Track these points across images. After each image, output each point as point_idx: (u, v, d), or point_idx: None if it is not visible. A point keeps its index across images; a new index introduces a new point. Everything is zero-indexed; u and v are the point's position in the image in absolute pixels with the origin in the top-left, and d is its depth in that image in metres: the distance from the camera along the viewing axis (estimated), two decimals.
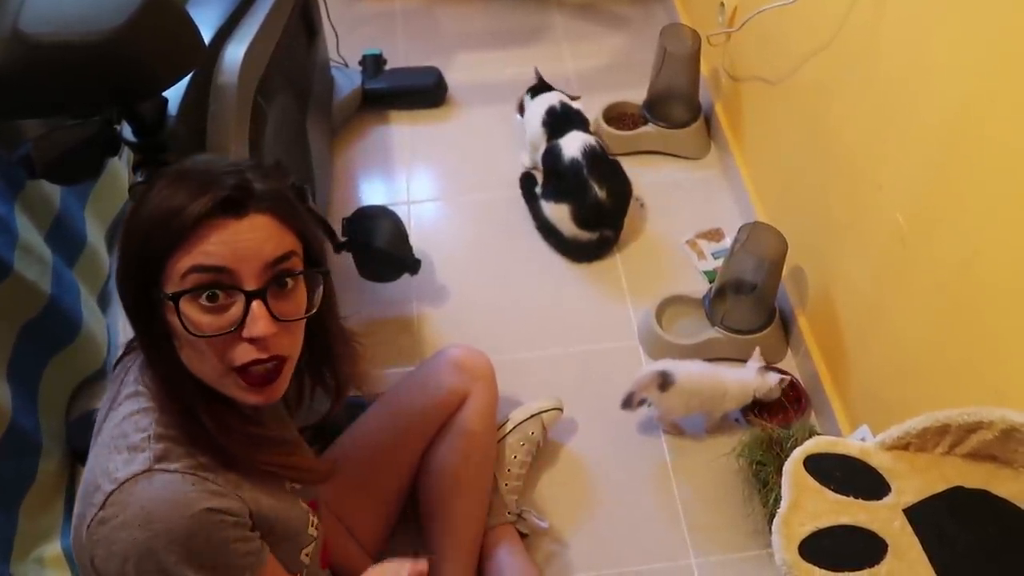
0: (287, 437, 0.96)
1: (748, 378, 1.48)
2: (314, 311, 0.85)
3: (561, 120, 1.82)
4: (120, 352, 0.92)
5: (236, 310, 0.78)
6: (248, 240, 0.78)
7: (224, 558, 0.80)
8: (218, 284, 0.77)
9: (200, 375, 0.82)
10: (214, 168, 0.80)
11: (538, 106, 1.87)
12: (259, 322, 0.78)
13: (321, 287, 0.86)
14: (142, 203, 0.79)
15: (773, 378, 1.47)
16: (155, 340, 0.81)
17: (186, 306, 0.77)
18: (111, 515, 0.76)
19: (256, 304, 0.78)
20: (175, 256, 0.77)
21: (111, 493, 0.77)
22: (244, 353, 0.79)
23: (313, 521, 0.97)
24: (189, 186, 0.77)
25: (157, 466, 0.78)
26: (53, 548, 1.27)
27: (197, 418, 0.82)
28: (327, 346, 0.94)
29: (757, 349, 1.53)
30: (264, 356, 0.80)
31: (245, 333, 0.78)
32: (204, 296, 0.77)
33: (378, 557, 1.32)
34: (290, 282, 0.81)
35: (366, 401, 1.38)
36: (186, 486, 0.78)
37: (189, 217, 0.76)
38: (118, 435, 0.81)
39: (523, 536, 1.39)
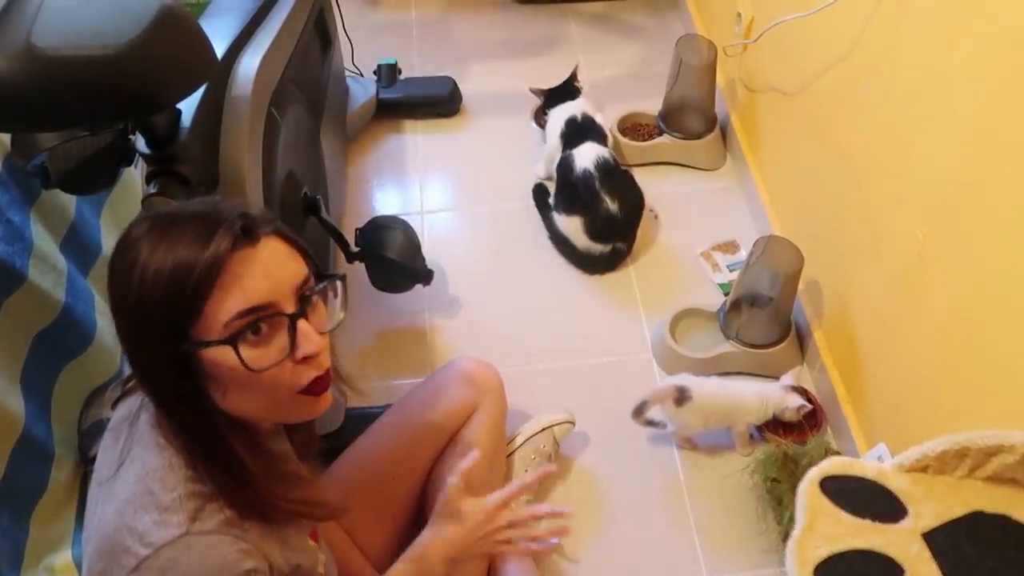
0: (302, 473, 0.96)
1: (769, 393, 1.46)
2: (343, 318, 0.87)
3: (578, 131, 1.81)
4: (119, 390, 0.91)
5: (281, 336, 0.79)
6: (274, 265, 0.79)
7: None
8: (262, 318, 0.77)
9: (249, 412, 0.82)
10: (204, 209, 0.79)
11: (559, 116, 1.86)
12: (311, 339, 0.80)
13: (342, 296, 0.87)
14: (133, 270, 0.75)
15: (794, 401, 1.45)
16: (187, 395, 0.79)
17: (239, 348, 0.77)
18: None
19: (302, 323, 0.80)
20: (211, 303, 0.75)
21: (147, 557, 0.75)
22: (304, 374, 0.81)
23: (321, 560, 0.97)
24: (190, 232, 0.75)
25: (193, 529, 0.77)
26: (63, 557, 1.28)
27: (234, 466, 0.81)
28: None
29: (798, 369, 1.51)
30: (322, 373, 0.83)
31: (300, 354, 0.80)
32: (249, 333, 0.77)
33: (385, 571, 1.31)
34: (314, 298, 0.83)
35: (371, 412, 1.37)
36: (224, 548, 0.78)
37: (217, 258, 0.74)
38: (142, 492, 0.79)
39: None
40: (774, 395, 1.46)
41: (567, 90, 1.89)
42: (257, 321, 0.77)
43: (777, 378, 1.51)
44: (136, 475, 0.80)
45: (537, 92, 1.92)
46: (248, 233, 0.77)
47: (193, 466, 0.80)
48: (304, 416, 0.86)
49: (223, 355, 0.77)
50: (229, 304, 0.76)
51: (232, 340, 0.76)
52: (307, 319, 0.81)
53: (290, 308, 0.79)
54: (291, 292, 0.80)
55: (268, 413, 0.84)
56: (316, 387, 0.83)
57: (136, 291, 0.75)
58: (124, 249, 0.77)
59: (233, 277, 0.76)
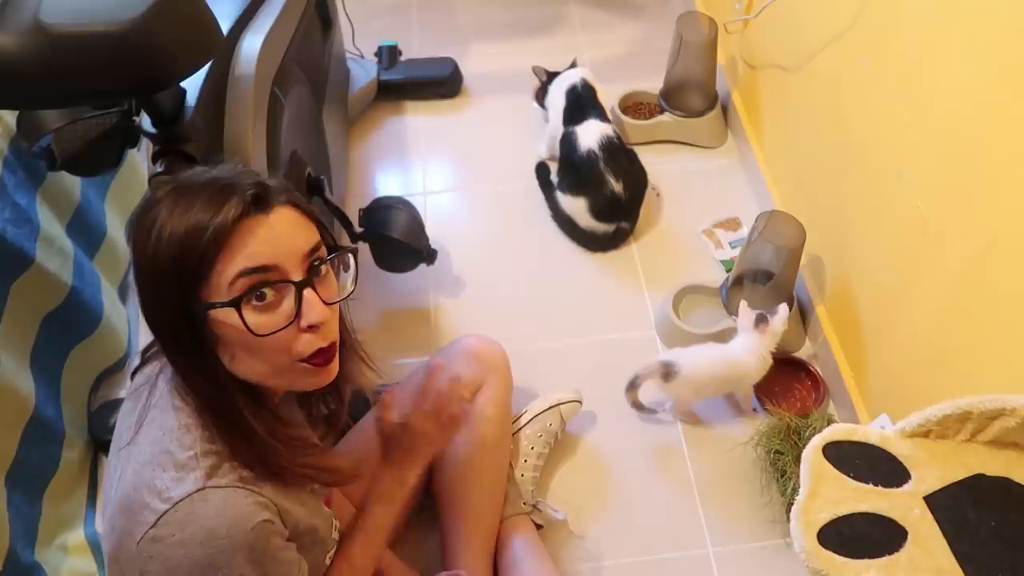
0: (313, 440, 0.98)
1: (758, 344, 1.44)
2: (354, 290, 0.87)
3: (578, 102, 1.80)
4: (137, 360, 0.93)
5: (287, 303, 0.80)
6: (283, 232, 0.80)
7: (277, 565, 0.82)
8: (266, 282, 0.79)
9: (256, 377, 0.84)
10: (221, 176, 0.81)
11: (559, 88, 1.85)
12: (316, 308, 0.81)
13: (353, 269, 0.88)
14: (151, 231, 0.77)
15: (776, 322, 1.43)
16: (199, 356, 0.81)
17: (243, 310, 0.78)
18: (166, 533, 0.77)
19: (308, 292, 0.81)
20: (217, 266, 0.77)
21: (165, 512, 0.77)
22: (308, 344, 0.82)
23: (336, 525, 0.99)
24: (205, 198, 0.77)
25: (209, 484, 0.79)
26: (76, 535, 1.29)
27: (244, 428, 0.83)
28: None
29: (742, 304, 1.48)
30: (326, 344, 0.83)
31: (303, 322, 0.81)
32: (253, 297, 0.78)
33: (394, 547, 1.33)
34: (324, 268, 0.84)
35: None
36: (240, 499, 0.80)
37: (225, 223, 0.76)
38: (160, 451, 0.81)
39: (539, 527, 1.39)
40: (760, 342, 1.44)
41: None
42: (261, 284, 0.78)
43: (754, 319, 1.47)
44: (154, 436, 0.82)
45: (539, 71, 1.91)
46: (259, 201, 0.79)
47: (207, 427, 0.82)
48: (310, 385, 0.87)
49: (228, 317, 0.78)
50: (233, 266, 0.77)
51: (236, 302, 0.77)
52: (315, 289, 0.82)
53: (298, 276, 0.81)
54: (300, 260, 0.81)
55: (274, 379, 0.85)
56: (319, 358, 0.84)
57: (152, 251, 0.77)
58: (146, 209, 0.80)
59: (239, 242, 0.77)
